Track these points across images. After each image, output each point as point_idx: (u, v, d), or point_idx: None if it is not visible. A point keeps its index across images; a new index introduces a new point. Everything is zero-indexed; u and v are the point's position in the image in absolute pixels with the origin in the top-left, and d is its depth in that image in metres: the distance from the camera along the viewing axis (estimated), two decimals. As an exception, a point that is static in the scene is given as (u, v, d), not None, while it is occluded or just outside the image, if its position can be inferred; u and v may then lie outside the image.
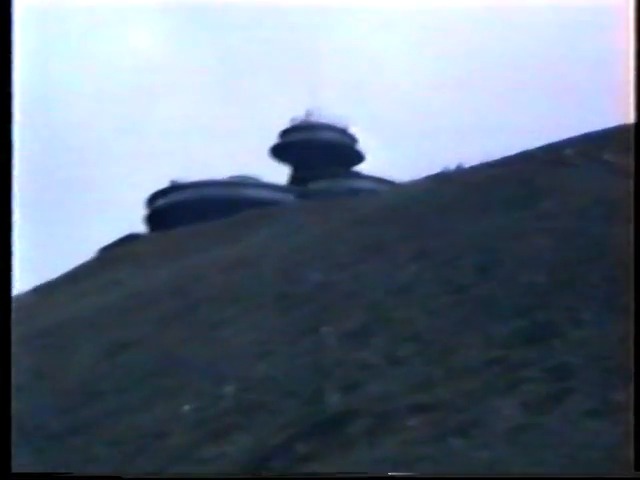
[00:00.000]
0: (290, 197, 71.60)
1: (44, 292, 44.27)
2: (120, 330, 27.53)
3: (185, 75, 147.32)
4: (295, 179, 76.06)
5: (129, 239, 62.75)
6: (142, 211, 74.22)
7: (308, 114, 79.42)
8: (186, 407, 18.67)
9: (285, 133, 78.93)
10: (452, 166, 47.13)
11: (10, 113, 7.21)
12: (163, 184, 73.68)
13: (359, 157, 77.90)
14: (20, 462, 18.43)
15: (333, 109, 77.34)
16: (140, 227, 71.89)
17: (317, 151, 75.41)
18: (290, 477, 13.95)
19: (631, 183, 8.92)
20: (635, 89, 7.92)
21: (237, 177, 72.67)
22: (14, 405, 22.63)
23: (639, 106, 7.91)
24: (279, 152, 77.69)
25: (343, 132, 78.77)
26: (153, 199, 74.15)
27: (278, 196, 71.32)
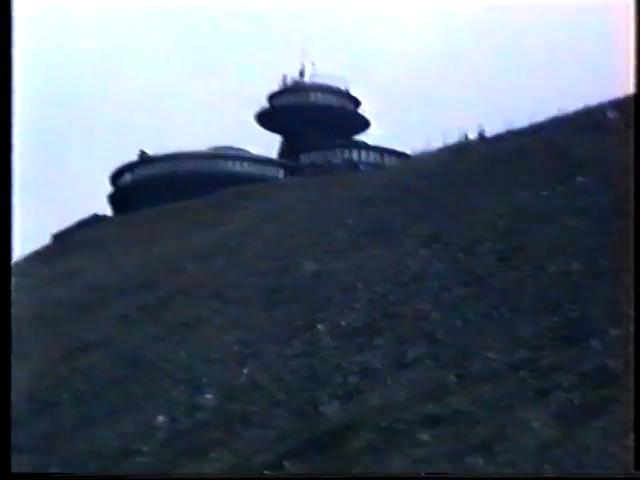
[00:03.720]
0: (279, 172, 71.45)
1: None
2: (79, 329, 27.55)
3: (157, 42, 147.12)
4: (285, 151, 75.82)
5: (90, 222, 62.67)
6: (107, 188, 74.23)
7: (301, 74, 79.29)
8: (158, 420, 18.70)
9: (274, 96, 78.52)
10: (471, 135, 47.14)
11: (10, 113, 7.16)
12: (131, 157, 73.71)
13: (362, 124, 77.49)
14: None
15: (329, 69, 77.25)
16: (103, 208, 71.84)
17: (311, 117, 75.00)
18: (290, 477, 14.18)
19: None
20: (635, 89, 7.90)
21: (217, 148, 72.44)
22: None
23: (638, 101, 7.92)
24: (267, 119, 77.32)
25: (342, 95, 78.45)
26: (119, 175, 73.75)
27: (265, 171, 71.09)
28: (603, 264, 19.36)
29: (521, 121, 39.02)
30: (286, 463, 15.13)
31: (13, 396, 23.60)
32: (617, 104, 33.80)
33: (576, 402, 14.55)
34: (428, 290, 21.09)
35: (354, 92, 79.76)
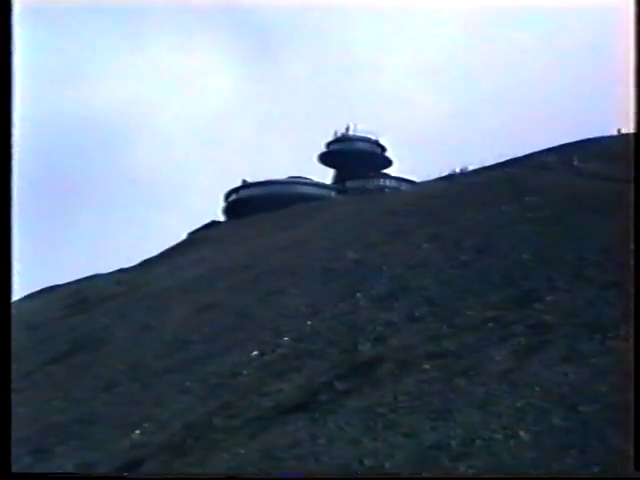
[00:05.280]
0: (333, 193, 71.86)
1: (148, 266, 44.78)
2: (205, 295, 27.77)
3: (253, 105, 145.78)
4: (337, 179, 76.50)
5: (211, 225, 63.38)
6: (221, 204, 75.46)
7: (347, 129, 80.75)
8: (254, 354, 18.83)
9: (329, 144, 79.70)
10: (457, 169, 46.97)
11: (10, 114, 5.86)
12: (237, 183, 75.01)
13: (387, 162, 78.18)
14: (127, 396, 18.71)
15: (367, 123, 78.24)
16: (219, 216, 72.89)
17: (354, 158, 75.83)
18: (289, 477, 12.23)
19: (624, 187, 8.20)
20: (635, 97, 6.79)
21: (293, 177, 73.33)
22: (129, 351, 22.79)
23: (639, 112, 6.92)
24: (325, 159, 78.34)
25: (374, 143, 79.18)
26: (229, 194, 75.19)
27: (324, 192, 71.52)
28: (544, 254, 19.27)
29: (491, 160, 38.76)
30: (336, 382, 15.19)
31: (166, 336, 23.47)
32: (553, 150, 33.41)
33: (524, 344, 14.53)
34: (430, 271, 21.06)
35: (383, 141, 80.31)
